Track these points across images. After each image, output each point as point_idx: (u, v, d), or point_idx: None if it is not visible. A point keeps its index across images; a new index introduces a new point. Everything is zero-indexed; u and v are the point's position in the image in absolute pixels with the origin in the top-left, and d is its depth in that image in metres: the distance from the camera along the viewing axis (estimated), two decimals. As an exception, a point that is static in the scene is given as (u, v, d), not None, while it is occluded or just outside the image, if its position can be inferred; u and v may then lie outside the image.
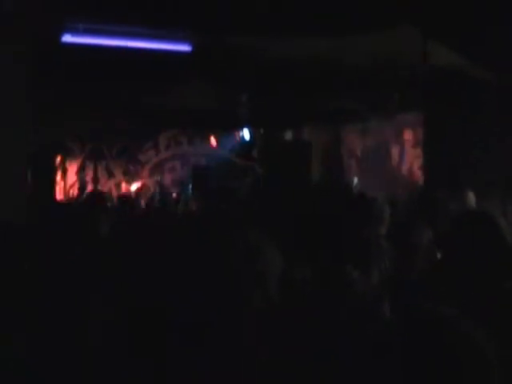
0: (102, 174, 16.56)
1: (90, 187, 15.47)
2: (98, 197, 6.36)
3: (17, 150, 6.01)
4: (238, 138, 16.65)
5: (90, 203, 5.95)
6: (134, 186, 16.41)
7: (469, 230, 2.96)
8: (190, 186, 14.72)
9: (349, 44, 8.04)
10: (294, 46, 8.28)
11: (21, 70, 6.09)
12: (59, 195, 14.64)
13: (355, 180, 14.36)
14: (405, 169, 13.95)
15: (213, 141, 17.26)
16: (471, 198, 6.42)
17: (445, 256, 3.13)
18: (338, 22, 7.29)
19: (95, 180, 16.36)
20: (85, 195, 12.92)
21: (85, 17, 7.55)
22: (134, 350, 3.58)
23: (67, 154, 15.94)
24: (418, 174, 12.59)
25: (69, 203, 12.97)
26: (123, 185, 16.54)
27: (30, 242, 4.33)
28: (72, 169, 16.04)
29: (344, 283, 3.69)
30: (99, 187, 15.90)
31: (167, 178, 17.03)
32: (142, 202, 14.38)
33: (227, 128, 16.45)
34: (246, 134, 16.27)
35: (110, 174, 16.68)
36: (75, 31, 7.73)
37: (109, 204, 7.32)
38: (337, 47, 8.20)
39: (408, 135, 13.66)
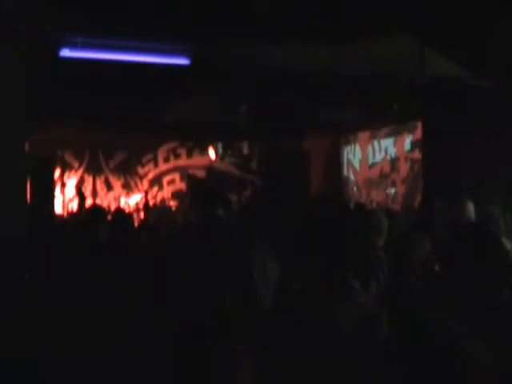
0: (101, 186, 16.54)
1: (89, 200, 15.43)
2: (97, 210, 6.40)
3: (15, 164, 5.98)
4: (237, 150, 16.59)
5: (90, 217, 6.00)
6: (133, 199, 16.41)
7: (466, 244, 2.94)
8: (189, 198, 14.70)
9: (348, 53, 8.04)
10: (293, 57, 8.26)
11: (19, 84, 6.07)
12: (58, 209, 14.59)
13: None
14: (403, 179, 13.94)
15: (212, 153, 17.27)
16: (470, 208, 6.40)
17: (442, 269, 3.08)
18: (338, 32, 7.32)
19: (94, 193, 16.33)
20: (84, 209, 12.90)
21: (83, 31, 7.56)
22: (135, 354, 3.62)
23: (66, 168, 15.93)
24: (418, 184, 12.55)
25: (68, 217, 13.01)
26: (122, 198, 16.52)
27: (30, 254, 4.44)
28: (71, 182, 16.01)
29: (345, 294, 3.65)
30: (98, 200, 15.88)
31: (166, 191, 16.99)
32: (141, 215, 14.40)
33: (226, 140, 16.45)
34: (244, 146, 16.26)
35: (109, 187, 16.65)
36: (73, 45, 7.73)
37: (108, 217, 7.29)
38: (336, 57, 8.19)
39: (407, 144, 13.65)
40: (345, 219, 5.58)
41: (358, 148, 15.29)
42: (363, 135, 14.93)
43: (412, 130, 13.24)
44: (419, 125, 11.72)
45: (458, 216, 6.12)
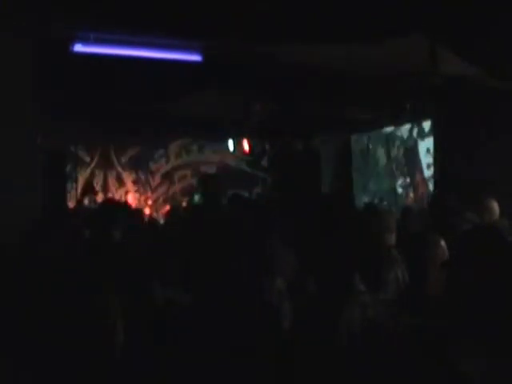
0: (112, 182, 16.57)
1: (100, 196, 15.47)
2: (110, 205, 6.42)
3: (28, 160, 5.97)
4: (248, 147, 16.69)
5: (103, 212, 6.02)
6: (145, 195, 16.45)
7: (475, 246, 2.87)
8: (200, 195, 14.71)
9: (361, 52, 7.94)
10: (306, 55, 8.22)
11: (31, 79, 6.04)
12: (70, 204, 14.67)
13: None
14: (417, 178, 13.88)
15: (223, 149, 17.25)
16: (495, 207, 6.37)
17: (451, 270, 3.03)
18: (351, 31, 7.22)
19: (105, 189, 16.36)
20: (97, 204, 12.94)
21: (95, 26, 7.51)
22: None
23: (78, 163, 15.95)
24: (431, 183, 12.51)
25: (80, 212, 13.02)
26: (133, 194, 16.54)
27: (42, 251, 4.41)
28: (82, 178, 16.04)
29: (351, 295, 3.73)
30: (109, 196, 15.91)
31: (178, 187, 17.00)
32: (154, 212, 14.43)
33: (238, 137, 16.45)
34: (256, 143, 16.27)
35: (121, 183, 16.68)
36: (86, 40, 7.67)
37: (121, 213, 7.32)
38: (349, 56, 8.10)
39: (420, 144, 13.60)
40: (353, 220, 5.60)
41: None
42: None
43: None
44: (432, 124, 11.72)
45: (473, 215, 6.12)
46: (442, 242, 4.03)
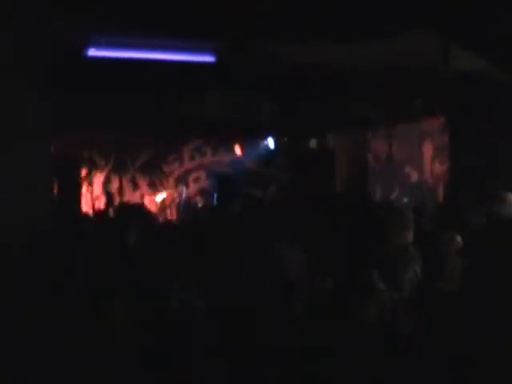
0: (127, 185, 16.60)
1: (116, 199, 15.48)
2: (126, 209, 6.40)
3: (41, 164, 5.93)
4: (262, 147, 16.65)
5: (119, 215, 6.02)
6: (160, 198, 16.45)
7: (492, 240, 2.86)
8: (215, 196, 14.69)
9: (372, 49, 7.99)
10: (317, 53, 8.26)
11: (44, 82, 6.00)
12: (85, 207, 14.67)
13: None
14: (431, 174, 13.82)
15: (237, 150, 17.27)
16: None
17: (469, 266, 3.01)
18: (361, 28, 7.26)
19: (121, 192, 16.39)
20: (112, 207, 12.92)
21: (108, 30, 7.61)
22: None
23: (92, 167, 15.98)
24: (444, 180, 12.46)
25: (96, 215, 13.04)
26: (148, 196, 16.55)
27: (57, 254, 4.38)
28: (98, 181, 16.07)
29: (369, 292, 3.69)
30: (125, 199, 15.94)
31: (192, 189, 17.01)
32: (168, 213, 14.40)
33: (251, 137, 16.45)
34: (269, 142, 16.32)
35: (135, 186, 16.72)
36: (98, 44, 7.83)
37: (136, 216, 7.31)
38: (360, 53, 8.16)
39: (433, 141, 13.55)
40: (370, 218, 5.57)
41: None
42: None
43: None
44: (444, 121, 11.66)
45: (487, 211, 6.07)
46: (458, 238, 4.00)
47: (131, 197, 16.47)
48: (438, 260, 4.34)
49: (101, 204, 15.38)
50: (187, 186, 16.96)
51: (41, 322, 3.64)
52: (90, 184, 15.77)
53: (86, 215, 11.37)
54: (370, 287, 3.67)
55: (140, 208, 8.74)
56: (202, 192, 16.64)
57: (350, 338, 3.38)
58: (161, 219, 12.88)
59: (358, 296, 3.63)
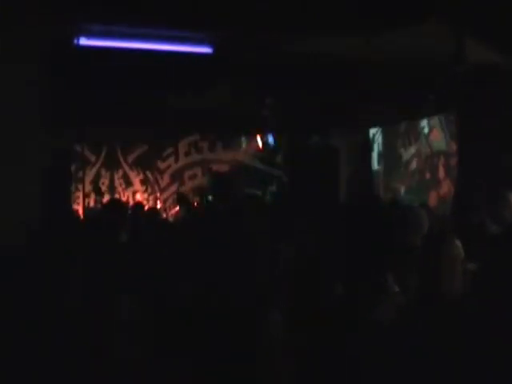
0: (118, 182, 16.36)
1: (106, 196, 15.28)
2: (116, 205, 6.57)
3: (31, 160, 6.00)
4: (262, 144, 16.44)
5: (109, 212, 6.21)
6: (154, 195, 16.28)
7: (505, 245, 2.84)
8: (212, 194, 14.54)
9: (379, 42, 7.84)
10: (321, 46, 8.13)
11: (35, 76, 6.05)
12: (75, 204, 14.55)
13: None
14: (438, 173, 13.58)
15: (236, 147, 17.02)
16: None
17: (480, 270, 3.02)
18: (368, 21, 7.15)
19: (111, 189, 16.15)
20: (102, 204, 12.88)
21: (101, 19, 7.48)
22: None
23: (83, 163, 15.72)
24: (453, 180, 12.21)
25: (86, 212, 12.96)
26: (141, 194, 16.35)
27: (47, 250, 4.45)
28: (88, 178, 15.83)
29: (384, 296, 3.72)
30: (116, 196, 15.72)
31: (187, 186, 16.76)
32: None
33: (251, 133, 16.28)
34: (270, 139, 16.08)
35: (128, 183, 16.47)
36: (90, 34, 7.78)
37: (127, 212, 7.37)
38: (366, 46, 7.98)
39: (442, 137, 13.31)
40: (381, 220, 5.49)
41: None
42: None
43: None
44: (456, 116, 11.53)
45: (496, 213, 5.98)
46: (457, 241, 3.92)
47: (124, 194, 16.29)
48: (437, 261, 4.22)
49: (91, 202, 15.16)
50: (183, 183, 16.75)
51: (41, 322, 3.70)
52: (81, 181, 15.50)
53: (76, 212, 11.36)
54: (384, 289, 3.75)
55: (139, 205, 8.83)
56: (198, 190, 16.40)
57: (363, 340, 3.40)
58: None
59: (372, 297, 3.68)
